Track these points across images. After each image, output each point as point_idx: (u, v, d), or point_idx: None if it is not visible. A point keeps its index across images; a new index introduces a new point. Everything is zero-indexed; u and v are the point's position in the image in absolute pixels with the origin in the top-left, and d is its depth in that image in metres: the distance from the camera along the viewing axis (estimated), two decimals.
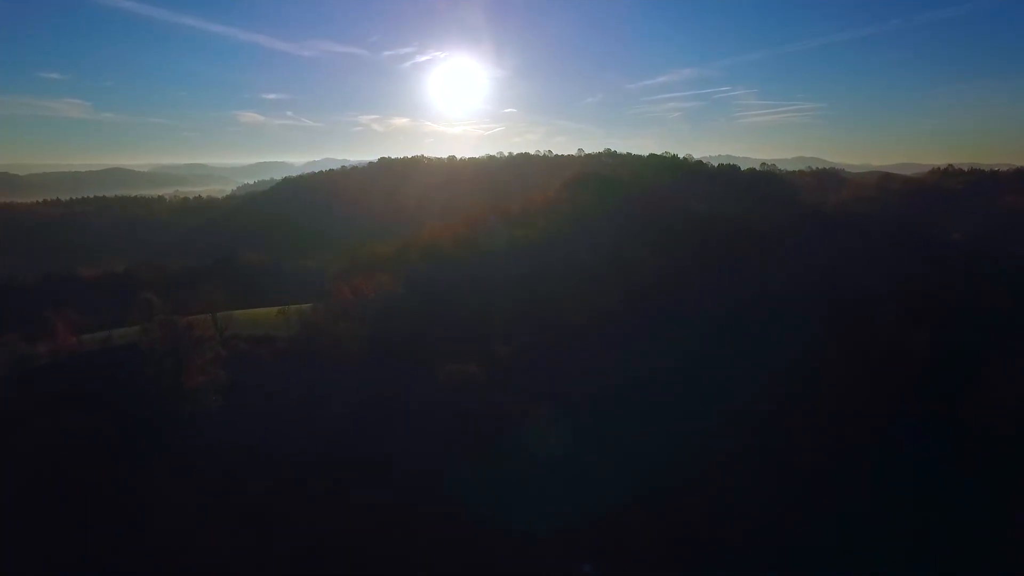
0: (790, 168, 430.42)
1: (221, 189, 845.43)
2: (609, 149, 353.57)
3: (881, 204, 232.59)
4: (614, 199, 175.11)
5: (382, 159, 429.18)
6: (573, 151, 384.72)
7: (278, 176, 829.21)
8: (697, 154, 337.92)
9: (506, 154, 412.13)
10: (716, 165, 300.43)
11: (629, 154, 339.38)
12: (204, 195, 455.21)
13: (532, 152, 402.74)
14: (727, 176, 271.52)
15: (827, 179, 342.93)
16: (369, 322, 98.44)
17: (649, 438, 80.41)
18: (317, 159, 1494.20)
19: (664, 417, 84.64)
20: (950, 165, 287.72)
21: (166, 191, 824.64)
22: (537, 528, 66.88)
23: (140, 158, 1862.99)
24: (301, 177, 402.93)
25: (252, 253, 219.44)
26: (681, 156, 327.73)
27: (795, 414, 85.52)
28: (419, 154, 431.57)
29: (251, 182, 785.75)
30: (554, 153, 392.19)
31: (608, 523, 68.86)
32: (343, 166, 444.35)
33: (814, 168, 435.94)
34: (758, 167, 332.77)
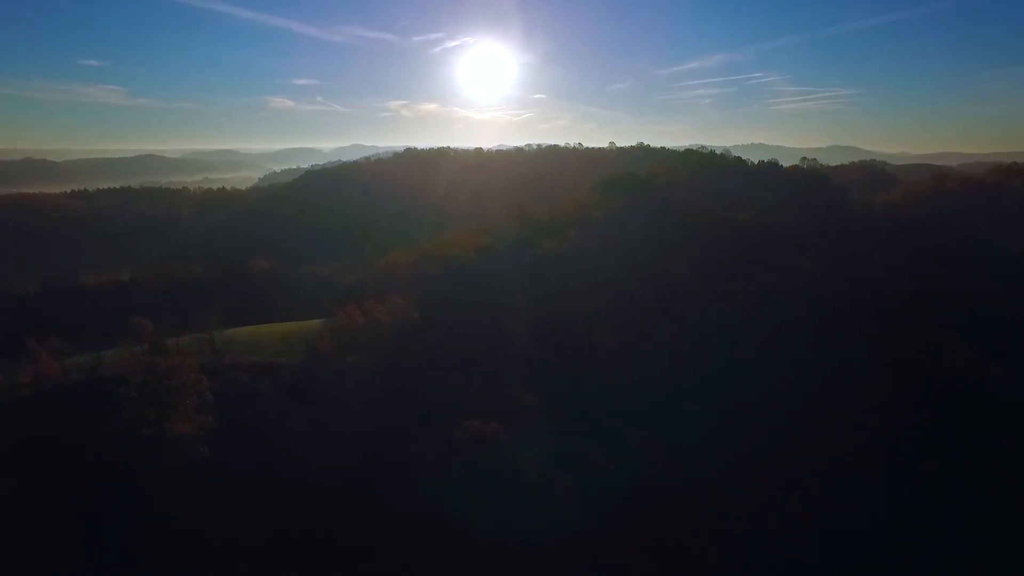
0: (826, 158, 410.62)
1: (249, 176, 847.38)
2: (642, 143, 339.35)
3: (938, 208, 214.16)
4: (649, 204, 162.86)
5: (408, 150, 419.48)
6: (603, 140, 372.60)
7: (305, 163, 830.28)
8: (729, 142, 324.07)
9: (535, 146, 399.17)
10: (756, 162, 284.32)
11: (664, 148, 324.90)
12: (229, 186, 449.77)
13: (562, 144, 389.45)
14: (768, 174, 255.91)
15: (874, 176, 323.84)
16: (380, 356, 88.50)
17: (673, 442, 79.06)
18: (345, 145, 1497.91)
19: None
20: (1014, 162, 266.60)
21: (195, 178, 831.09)
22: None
23: (172, 143, 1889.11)
24: (324, 169, 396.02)
25: (270, 252, 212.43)
26: (718, 151, 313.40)
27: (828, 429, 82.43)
28: (445, 145, 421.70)
29: (278, 170, 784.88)
30: (584, 146, 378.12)
31: (615, 524, 67.70)
32: (367, 157, 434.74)
33: (853, 159, 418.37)
34: (798, 160, 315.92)
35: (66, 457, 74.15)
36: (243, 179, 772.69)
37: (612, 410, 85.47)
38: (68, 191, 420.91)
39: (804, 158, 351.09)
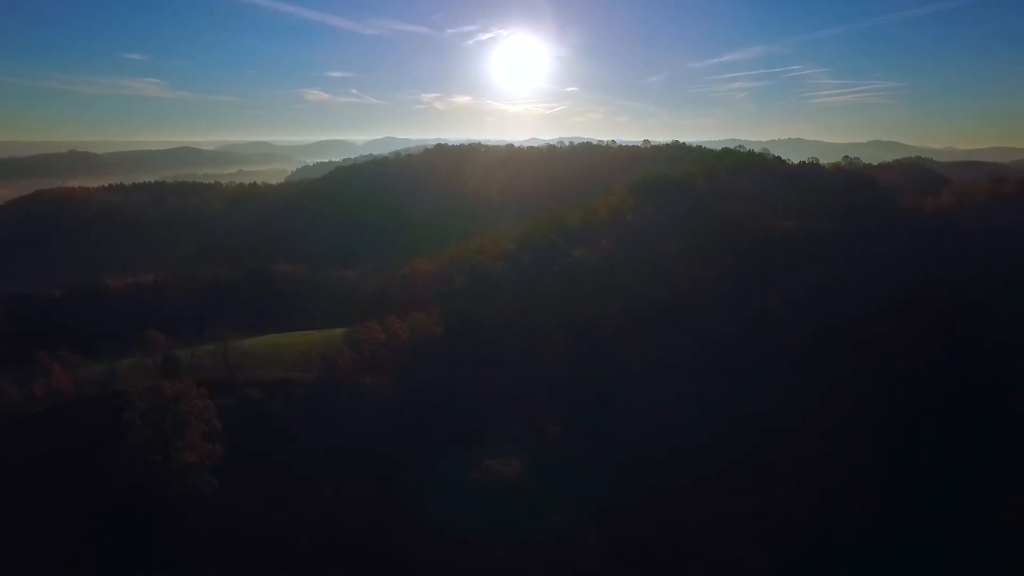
0: (867, 154, 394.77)
1: (282, 169, 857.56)
2: (677, 140, 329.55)
3: (994, 215, 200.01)
4: (685, 208, 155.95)
5: (438, 145, 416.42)
6: (636, 134, 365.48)
7: (338, 156, 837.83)
8: (765, 136, 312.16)
9: (567, 142, 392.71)
10: (796, 161, 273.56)
11: (700, 147, 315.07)
12: (261, 180, 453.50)
13: (595, 141, 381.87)
14: (810, 175, 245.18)
15: (921, 176, 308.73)
16: (400, 376, 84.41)
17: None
18: (378, 137, 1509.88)
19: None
20: None
21: (230, 170, 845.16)
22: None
23: (209, 135, 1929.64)
24: (354, 165, 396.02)
25: (298, 250, 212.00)
26: (756, 148, 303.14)
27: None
28: (477, 139, 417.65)
29: (310, 163, 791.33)
30: (618, 143, 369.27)
31: (617, 520, 67.84)
32: (398, 152, 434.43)
33: (895, 155, 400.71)
34: (838, 157, 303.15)
35: (76, 477, 71.91)
36: (276, 172, 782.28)
37: (621, 412, 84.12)
38: (106, 185, 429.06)
39: (846, 156, 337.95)
